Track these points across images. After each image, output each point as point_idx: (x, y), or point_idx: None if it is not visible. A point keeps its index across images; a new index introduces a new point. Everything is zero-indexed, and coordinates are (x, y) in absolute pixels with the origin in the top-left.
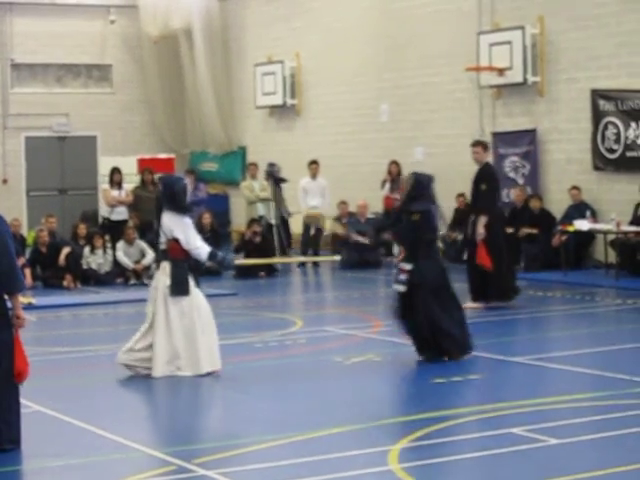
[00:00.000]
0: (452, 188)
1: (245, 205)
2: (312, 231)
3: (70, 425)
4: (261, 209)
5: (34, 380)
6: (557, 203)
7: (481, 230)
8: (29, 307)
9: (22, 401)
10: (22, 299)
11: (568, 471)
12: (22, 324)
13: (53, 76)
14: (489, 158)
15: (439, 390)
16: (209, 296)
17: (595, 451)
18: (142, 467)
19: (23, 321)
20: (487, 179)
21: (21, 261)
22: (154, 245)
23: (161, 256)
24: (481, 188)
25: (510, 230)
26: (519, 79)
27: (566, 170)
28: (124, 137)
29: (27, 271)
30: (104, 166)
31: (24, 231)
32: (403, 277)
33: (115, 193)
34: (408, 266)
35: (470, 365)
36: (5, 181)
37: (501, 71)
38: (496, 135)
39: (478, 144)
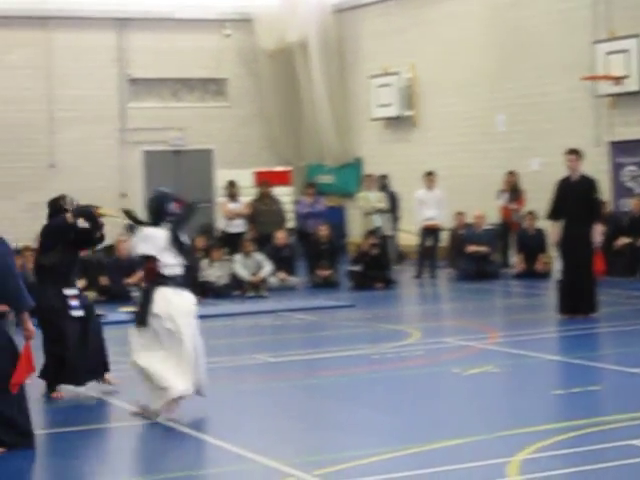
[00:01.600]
0: None
1: (361, 217)
2: (429, 243)
3: (189, 436)
4: (377, 220)
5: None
6: None
7: (600, 238)
8: None
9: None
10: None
11: None
12: (31, 336)
13: (169, 90)
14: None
15: (558, 401)
16: (327, 308)
17: None
18: (262, 478)
19: (32, 333)
20: (597, 189)
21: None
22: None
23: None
24: (597, 197)
25: (629, 240)
26: (636, 87)
27: None
28: (240, 150)
29: None
30: (220, 179)
31: None
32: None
33: (232, 206)
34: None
35: (590, 376)
36: (124, 195)
37: (618, 80)
38: (613, 144)
39: (572, 152)
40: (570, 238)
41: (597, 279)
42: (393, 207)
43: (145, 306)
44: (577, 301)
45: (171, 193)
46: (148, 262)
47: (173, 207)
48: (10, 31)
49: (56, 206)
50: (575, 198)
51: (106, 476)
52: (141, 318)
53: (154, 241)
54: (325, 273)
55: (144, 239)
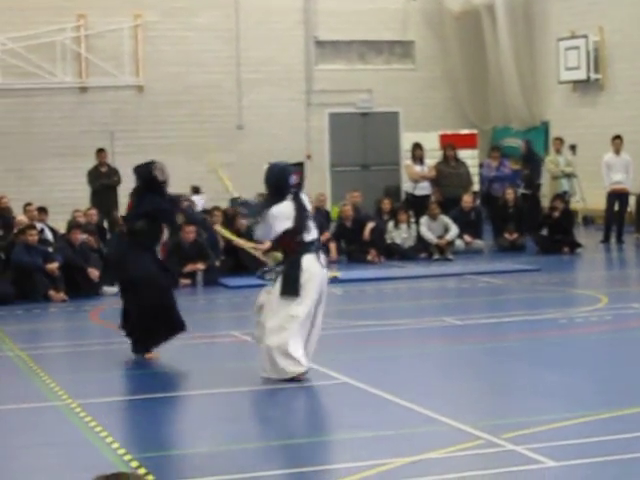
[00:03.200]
0: None
1: (549, 180)
2: (616, 207)
3: (377, 397)
4: (565, 184)
5: (339, 352)
6: None
7: None
8: (334, 281)
9: (329, 372)
10: (328, 273)
11: None
12: None
13: (356, 53)
14: None
15: None
16: (513, 272)
17: None
18: (450, 440)
19: None
20: None
21: (326, 235)
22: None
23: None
24: None
25: None
26: None
27: None
28: (426, 113)
29: (332, 245)
30: (406, 142)
31: (328, 206)
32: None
33: (418, 168)
34: None
35: None
36: (309, 156)
37: None
38: None
39: None
40: None
41: None
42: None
43: (296, 276)
44: None
45: (289, 165)
46: (286, 237)
47: (293, 179)
48: None
49: (146, 172)
50: None
51: (307, 431)
52: (294, 289)
53: (287, 215)
54: (512, 237)
55: (277, 218)
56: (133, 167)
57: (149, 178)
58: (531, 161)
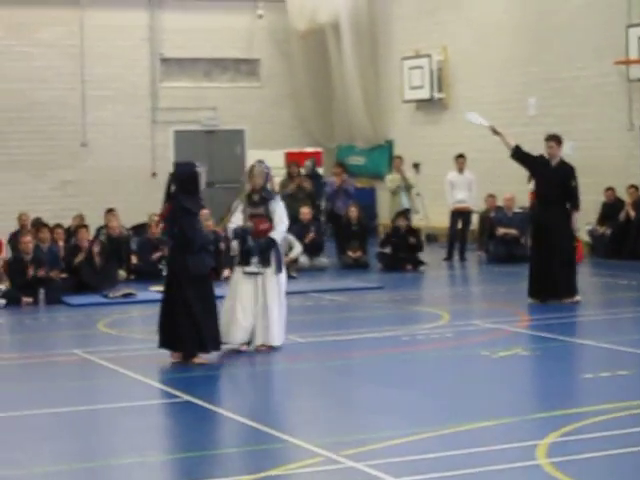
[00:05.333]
0: (601, 182)
1: (389, 198)
2: (459, 225)
3: (217, 415)
4: (405, 202)
5: (179, 370)
6: None
7: (577, 225)
8: None
9: (171, 391)
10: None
11: None
12: None
13: (201, 70)
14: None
15: (587, 385)
16: (356, 289)
17: None
18: (290, 458)
19: None
20: (574, 175)
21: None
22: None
23: None
24: (572, 185)
25: None
26: None
27: None
28: (271, 131)
29: None
30: (251, 160)
31: None
32: None
33: None
34: None
35: (619, 361)
36: (154, 174)
37: None
38: None
39: (552, 139)
40: (544, 223)
41: (576, 265)
42: (318, 192)
43: None
44: (549, 286)
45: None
46: None
47: None
48: (42, 9)
49: (190, 175)
50: (553, 184)
51: (142, 450)
52: None
53: None
54: (355, 254)
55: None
56: (175, 164)
57: (189, 179)
58: (315, 181)
